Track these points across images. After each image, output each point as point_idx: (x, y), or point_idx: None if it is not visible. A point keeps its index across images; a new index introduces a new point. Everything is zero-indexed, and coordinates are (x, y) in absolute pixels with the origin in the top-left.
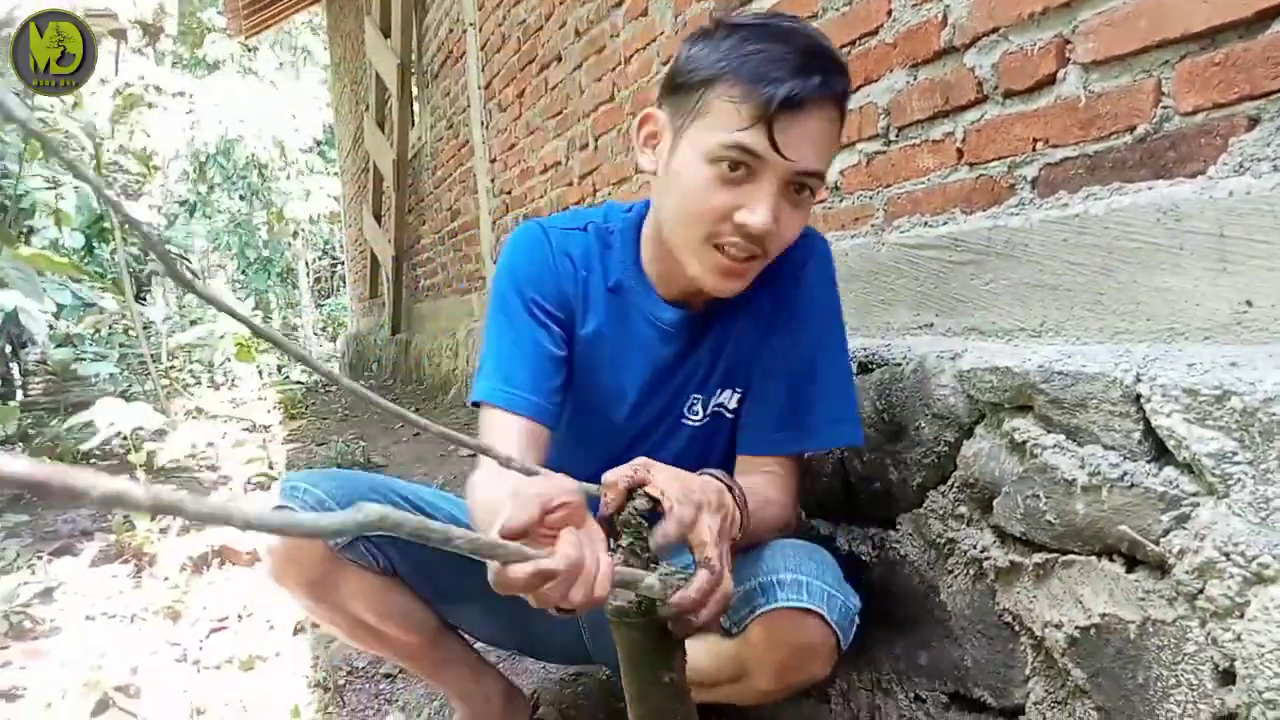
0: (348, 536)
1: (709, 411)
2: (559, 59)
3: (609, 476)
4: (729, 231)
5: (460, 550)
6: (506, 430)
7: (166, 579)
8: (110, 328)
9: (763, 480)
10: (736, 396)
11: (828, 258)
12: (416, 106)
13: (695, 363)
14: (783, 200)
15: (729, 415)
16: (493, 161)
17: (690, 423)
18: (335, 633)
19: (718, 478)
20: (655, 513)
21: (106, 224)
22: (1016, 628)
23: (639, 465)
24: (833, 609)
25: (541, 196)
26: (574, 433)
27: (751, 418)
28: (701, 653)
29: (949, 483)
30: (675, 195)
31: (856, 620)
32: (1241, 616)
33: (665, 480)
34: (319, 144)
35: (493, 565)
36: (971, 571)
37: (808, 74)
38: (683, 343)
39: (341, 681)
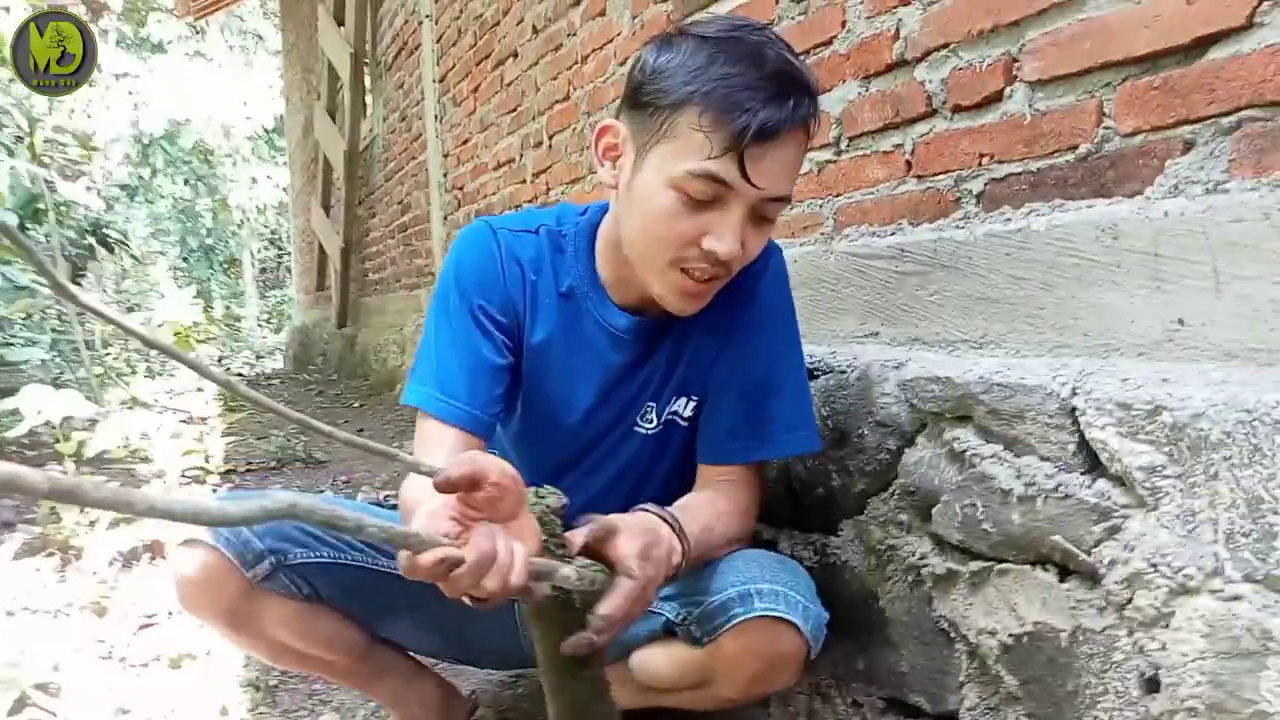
0: (256, 524)
1: (662, 420)
2: (515, 55)
3: (572, 537)
4: (695, 257)
5: (372, 539)
6: (441, 440)
7: (94, 574)
8: (43, 312)
9: (720, 491)
10: (692, 405)
11: (783, 268)
12: (369, 98)
13: (650, 371)
14: (748, 224)
15: (683, 423)
16: (445, 156)
17: (643, 430)
18: (256, 656)
19: (652, 512)
20: (567, 512)
21: (41, 205)
22: (952, 635)
23: (599, 527)
24: (807, 620)
25: (494, 193)
26: (525, 438)
27: (709, 427)
28: (662, 659)
29: (890, 490)
30: (639, 217)
31: (825, 632)
32: (1167, 626)
33: (627, 544)
34: (268, 132)
35: (402, 553)
36: (910, 579)
37: (780, 102)
38: (637, 351)
39: (274, 682)
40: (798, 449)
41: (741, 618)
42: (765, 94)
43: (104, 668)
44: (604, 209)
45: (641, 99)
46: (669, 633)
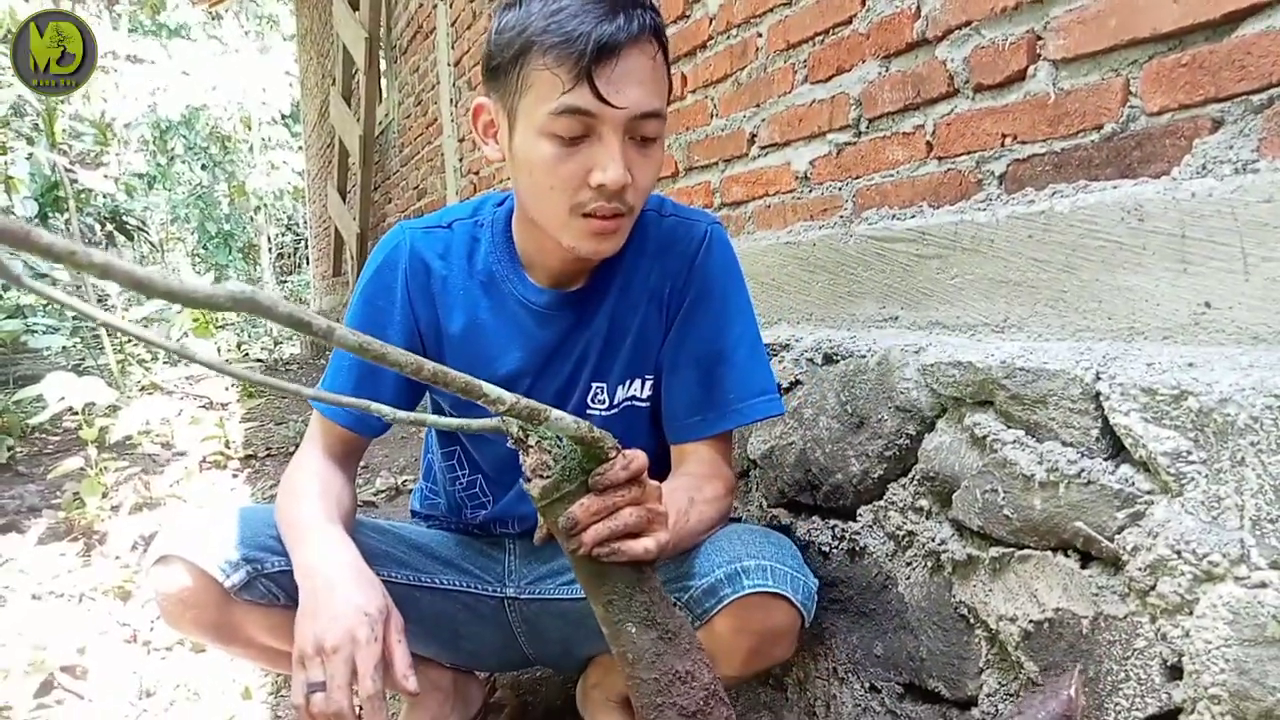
0: (219, 308)
1: (617, 403)
2: None
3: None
4: (590, 198)
5: (346, 346)
6: (327, 434)
7: (117, 558)
8: None
9: (696, 470)
10: (649, 384)
11: (723, 239)
12: (384, 82)
13: (585, 347)
14: (630, 151)
15: (642, 405)
16: (461, 140)
17: (597, 412)
18: (255, 664)
19: None
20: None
21: (60, 192)
22: (972, 620)
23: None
24: (797, 590)
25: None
26: (473, 433)
27: (670, 407)
28: None
29: (910, 476)
30: (526, 177)
31: (816, 599)
32: (1191, 613)
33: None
34: (284, 117)
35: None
36: (929, 564)
37: (612, 17)
38: (563, 325)
39: None
40: (760, 414)
41: (731, 597)
42: (595, 15)
43: (129, 651)
44: None
45: (494, 65)
46: None
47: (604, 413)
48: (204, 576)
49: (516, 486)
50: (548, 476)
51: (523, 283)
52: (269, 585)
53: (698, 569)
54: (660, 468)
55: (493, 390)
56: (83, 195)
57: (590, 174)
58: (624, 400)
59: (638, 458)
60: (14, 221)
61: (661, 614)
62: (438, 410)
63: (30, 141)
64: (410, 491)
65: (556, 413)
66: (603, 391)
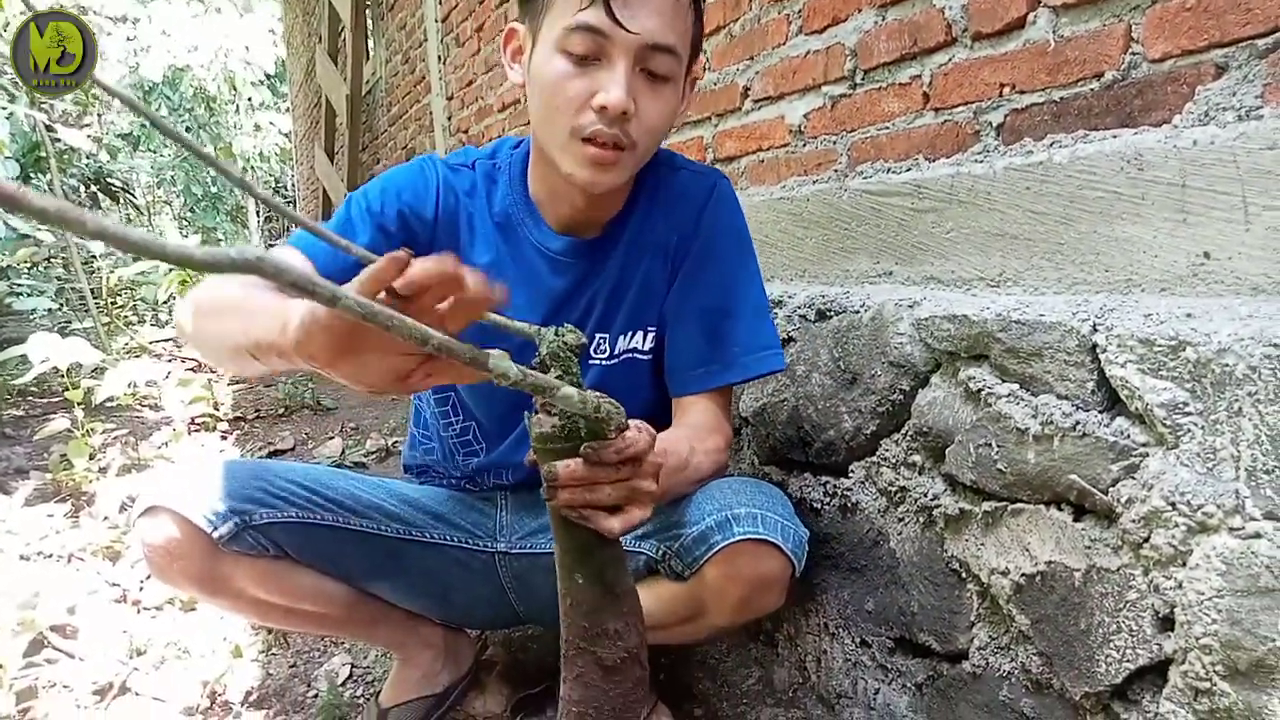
0: (224, 271)
1: (618, 353)
2: None
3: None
4: (591, 121)
5: (351, 310)
6: (289, 258)
7: (106, 519)
8: (48, 261)
9: (697, 421)
10: (650, 337)
11: (730, 193)
12: (371, 40)
13: (593, 296)
14: (639, 82)
15: (643, 357)
16: (449, 99)
17: (598, 362)
18: (243, 618)
19: None
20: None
21: (42, 152)
22: (963, 575)
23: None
24: (787, 538)
25: (499, 135)
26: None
27: (673, 359)
28: (649, 598)
29: (903, 431)
30: (537, 95)
31: (807, 549)
32: (1184, 565)
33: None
34: (269, 78)
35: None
36: (921, 519)
37: None
38: (576, 274)
39: None
40: (763, 369)
41: (721, 545)
42: None
43: (118, 611)
44: None
45: None
46: (651, 571)
47: (605, 363)
48: (191, 527)
49: (510, 436)
50: (550, 420)
51: (539, 228)
52: (256, 536)
53: (689, 517)
54: (661, 420)
55: (498, 365)
56: (65, 156)
57: (594, 96)
58: (624, 351)
59: (636, 443)
60: (6, 184)
61: (611, 575)
62: None
63: (11, 99)
64: (400, 453)
65: (565, 389)
66: (605, 342)
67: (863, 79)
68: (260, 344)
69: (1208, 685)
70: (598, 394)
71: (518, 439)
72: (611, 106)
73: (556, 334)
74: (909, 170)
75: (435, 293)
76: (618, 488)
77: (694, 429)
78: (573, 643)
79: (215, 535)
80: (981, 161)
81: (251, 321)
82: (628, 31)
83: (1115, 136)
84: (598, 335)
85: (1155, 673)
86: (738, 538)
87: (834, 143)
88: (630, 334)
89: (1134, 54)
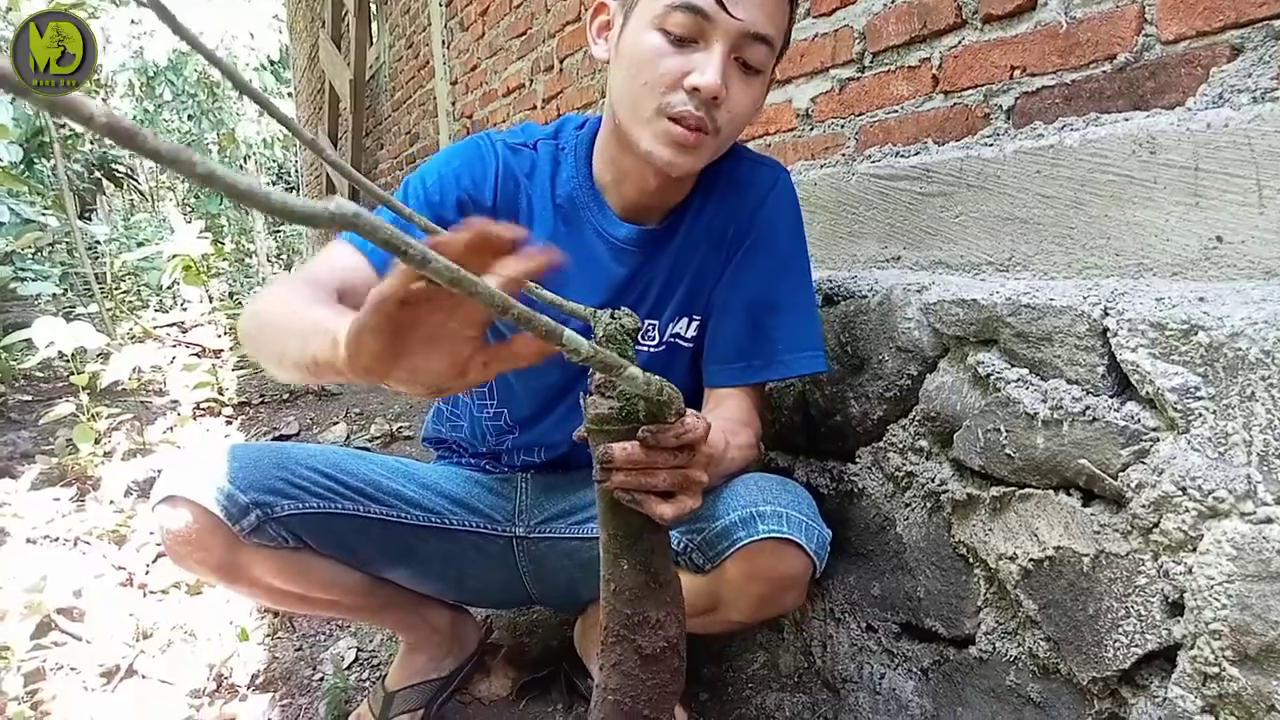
0: (321, 225)
1: (664, 340)
2: None
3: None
4: (680, 101)
5: (440, 274)
6: (333, 268)
7: (111, 503)
8: (52, 246)
9: (731, 415)
10: (695, 325)
11: (790, 187)
12: (375, 24)
13: (648, 283)
14: (732, 69)
15: (685, 345)
16: (454, 84)
17: (644, 348)
18: (258, 602)
19: None
20: (635, 341)
21: (45, 137)
22: (970, 560)
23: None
24: (811, 539)
25: (504, 120)
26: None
27: (714, 347)
28: None
29: (910, 416)
30: (625, 70)
31: (829, 549)
32: (1194, 550)
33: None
34: (273, 63)
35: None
36: (928, 505)
37: None
38: (636, 262)
39: None
40: (804, 369)
41: (745, 541)
42: None
43: (125, 594)
44: (603, 120)
45: None
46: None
47: (651, 349)
48: (212, 519)
49: (550, 417)
50: (607, 402)
51: (604, 214)
52: (278, 529)
53: (714, 512)
54: (692, 407)
55: (571, 339)
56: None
57: (687, 76)
58: (670, 337)
59: (695, 430)
60: (124, 119)
61: (658, 563)
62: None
63: None
64: (405, 438)
65: (632, 369)
66: (654, 329)
67: (871, 62)
68: (319, 362)
69: (1217, 670)
70: (660, 378)
71: (558, 420)
72: (704, 88)
73: (613, 317)
74: (918, 154)
75: (495, 248)
76: (673, 474)
77: (729, 421)
78: (613, 630)
79: (237, 529)
80: (991, 145)
81: (308, 342)
82: (732, 16)
83: (1127, 119)
84: (648, 322)
85: (1164, 658)
86: (761, 536)
87: (842, 126)
88: (678, 320)
89: (1147, 35)
